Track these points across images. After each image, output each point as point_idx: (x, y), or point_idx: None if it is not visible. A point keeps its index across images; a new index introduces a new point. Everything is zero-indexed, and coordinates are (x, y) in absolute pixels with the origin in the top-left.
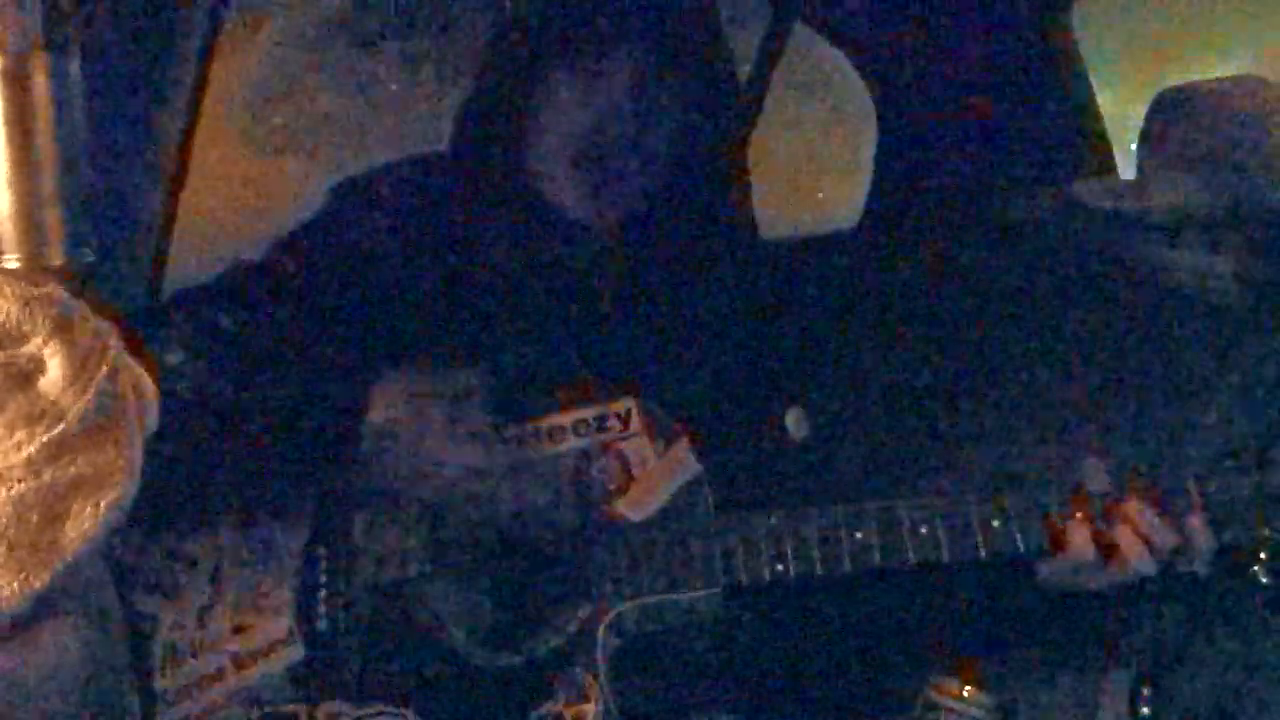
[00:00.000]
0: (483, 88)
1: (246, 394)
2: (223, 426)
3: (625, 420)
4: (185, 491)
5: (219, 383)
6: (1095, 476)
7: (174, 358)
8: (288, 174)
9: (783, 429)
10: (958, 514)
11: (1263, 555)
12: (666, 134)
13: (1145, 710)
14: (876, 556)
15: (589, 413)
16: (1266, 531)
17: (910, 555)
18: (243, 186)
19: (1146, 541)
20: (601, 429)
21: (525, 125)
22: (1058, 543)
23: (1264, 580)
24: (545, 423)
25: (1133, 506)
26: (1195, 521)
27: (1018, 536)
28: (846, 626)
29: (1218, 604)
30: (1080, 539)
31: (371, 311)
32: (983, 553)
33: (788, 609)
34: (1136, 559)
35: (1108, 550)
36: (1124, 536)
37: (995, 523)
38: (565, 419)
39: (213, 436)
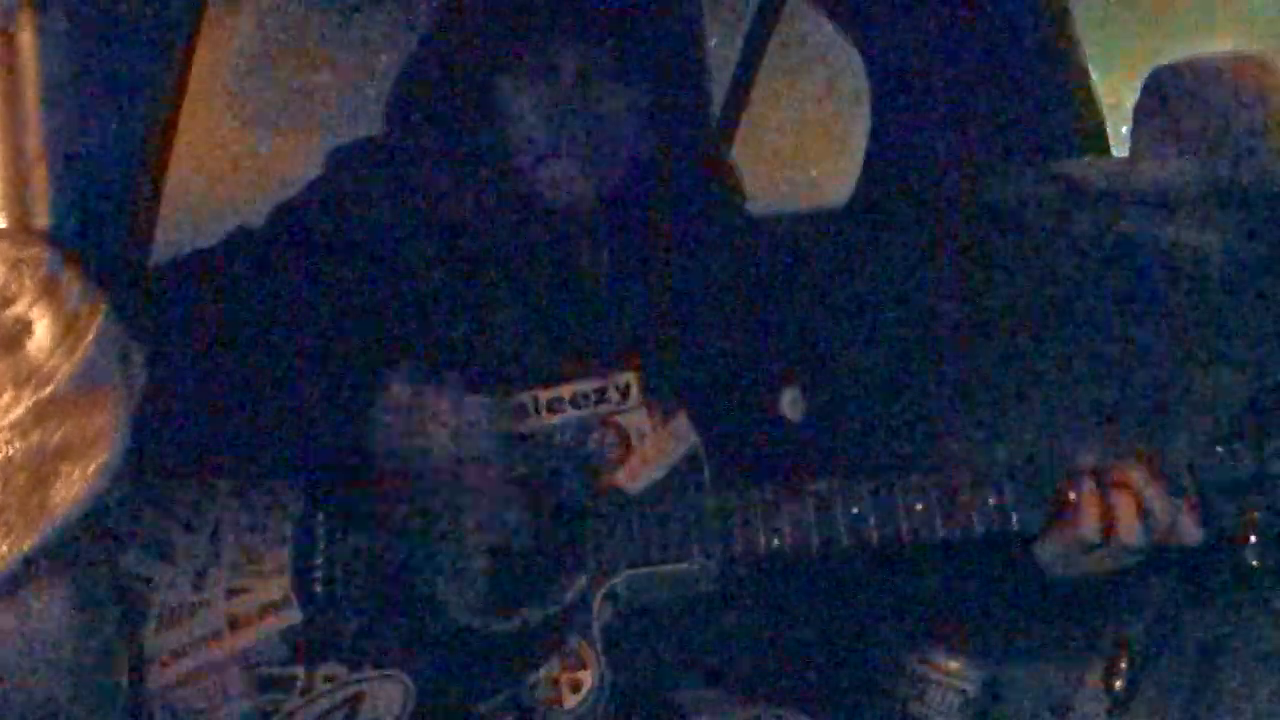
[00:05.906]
0: (431, 71)
1: (245, 357)
2: (221, 389)
3: (625, 393)
4: (182, 454)
5: (217, 346)
6: (1087, 453)
7: (171, 322)
8: (274, 145)
9: (778, 410)
10: (952, 492)
11: (1252, 538)
12: (631, 121)
13: (1118, 684)
14: (872, 531)
15: (589, 385)
16: (1257, 514)
17: (905, 532)
18: (227, 158)
19: (1144, 511)
20: (601, 401)
21: (486, 118)
22: (1068, 517)
23: (1254, 563)
24: (544, 394)
25: (1136, 475)
26: (1186, 514)
27: (1013, 515)
28: (838, 600)
29: (1205, 585)
30: (1092, 511)
31: (371, 279)
32: (978, 530)
33: (781, 581)
34: (1129, 531)
35: (1108, 524)
36: (1123, 505)
37: (990, 501)
38: (565, 391)
39: (211, 399)
